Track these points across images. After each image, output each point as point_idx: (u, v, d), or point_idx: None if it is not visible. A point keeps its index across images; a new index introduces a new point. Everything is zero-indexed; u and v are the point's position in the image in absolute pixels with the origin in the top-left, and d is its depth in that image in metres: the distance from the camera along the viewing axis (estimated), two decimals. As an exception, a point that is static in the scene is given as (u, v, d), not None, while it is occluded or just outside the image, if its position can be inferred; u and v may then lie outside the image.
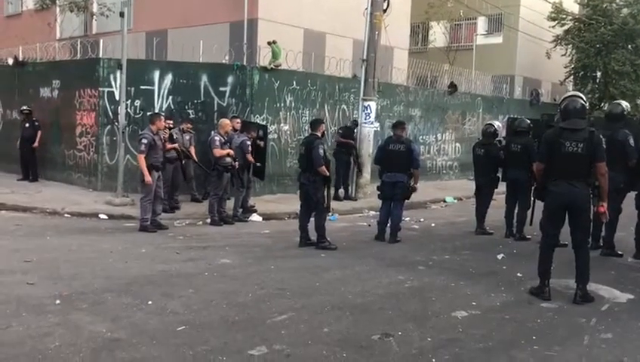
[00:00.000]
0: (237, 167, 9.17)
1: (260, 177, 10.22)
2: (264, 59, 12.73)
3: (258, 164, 9.77)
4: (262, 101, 11.97)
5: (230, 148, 9.14)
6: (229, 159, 9.05)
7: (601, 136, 5.83)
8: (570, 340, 4.54)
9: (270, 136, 11.75)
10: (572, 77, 23.03)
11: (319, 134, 7.71)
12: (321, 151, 7.44)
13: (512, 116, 11.47)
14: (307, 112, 12.83)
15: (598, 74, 22.17)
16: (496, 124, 9.27)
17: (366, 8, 12.50)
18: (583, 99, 5.66)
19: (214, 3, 16.32)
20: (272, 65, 12.20)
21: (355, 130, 12.41)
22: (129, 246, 7.38)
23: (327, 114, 13.27)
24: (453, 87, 17.78)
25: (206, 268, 6.32)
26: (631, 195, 7.49)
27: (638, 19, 20.80)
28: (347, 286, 5.82)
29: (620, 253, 7.55)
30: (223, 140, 9.09)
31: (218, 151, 8.97)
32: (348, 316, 4.88)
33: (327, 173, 7.51)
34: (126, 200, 10.23)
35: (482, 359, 4.11)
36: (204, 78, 11.82)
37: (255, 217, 9.84)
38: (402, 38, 19.67)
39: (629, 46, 21.26)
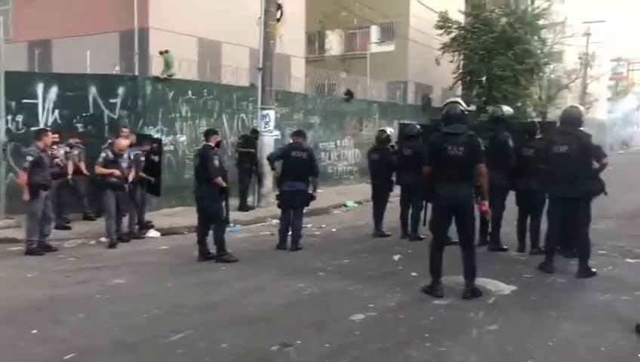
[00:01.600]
0: (128, 185, 8.68)
1: (156, 193, 9.90)
2: (157, 69, 12.38)
3: (152, 180, 9.46)
4: (155, 112, 11.62)
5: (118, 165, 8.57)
6: (115, 179, 8.46)
7: (483, 138, 6.24)
8: (460, 334, 4.77)
9: (166, 148, 11.45)
10: (460, 82, 24.33)
11: (213, 144, 7.59)
12: (216, 162, 7.33)
13: (403, 122, 11.91)
14: (204, 122, 12.62)
15: (483, 79, 23.57)
16: (389, 129, 9.61)
17: (260, 17, 12.54)
18: (462, 104, 5.99)
19: (102, 11, 15.67)
20: (165, 75, 11.90)
21: (257, 139, 12.37)
22: (14, 272, 6.90)
23: (225, 123, 13.14)
24: (349, 94, 18.25)
25: (98, 290, 6.02)
26: (513, 193, 8.04)
27: (515, 28, 22.38)
28: (247, 298, 5.76)
29: (505, 247, 8.06)
30: (110, 158, 8.53)
31: (98, 169, 8.51)
32: (248, 329, 4.83)
33: (224, 185, 7.41)
34: (10, 221, 9.53)
35: (378, 360, 4.22)
36: (93, 90, 11.27)
37: (152, 233, 9.51)
38: (298, 46, 19.92)
39: (509, 52, 22.79)
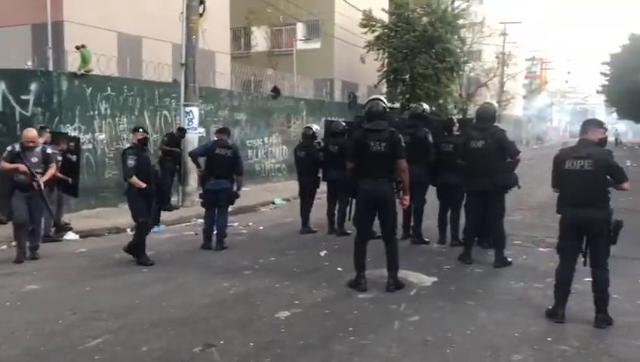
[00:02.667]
0: (36, 182, 7.42)
1: (74, 194, 9.46)
2: (73, 64, 11.84)
3: (70, 180, 9.03)
4: (72, 109, 11.10)
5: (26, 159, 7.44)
6: (22, 176, 7.33)
7: (404, 135, 6.40)
8: (383, 327, 4.86)
9: (84, 147, 10.96)
10: (385, 80, 24.82)
11: (135, 142, 7.35)
12: (131, 161, 7.08)
13: (329, 119, 12.02)
14: (125, 120, 12.19)
15: (407, 77, 24.14)
16: (315, 126, 9.66)
17: (182, 12, 12.25)
18: (384, 102, 6.11)
19: (12, 2, 14.78)
20: (82, 71, 11.39)
21: (184, 138, 12.06)
22: None
23: (147, 121, 12.72)
24: (276, 91, 18.19)
25: (8, 298, 5.68)
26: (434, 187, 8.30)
27: (436, 27, 23.08)
28: (169, 300, 5.62)
29: (427, 240, 8.30)
30: (16, 150, 7.38)
31: (3, 164, 7.42)
32: (169, 331, 4.71)
33: (141, 185, 7.13)
34: None
35: (302, 356, 4.23)
36: (3, 86, 10.64)
37: (70, 235, 9.09)
38: (223, 42, 19.62)
39: (431, 51, 23.49)
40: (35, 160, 7.46)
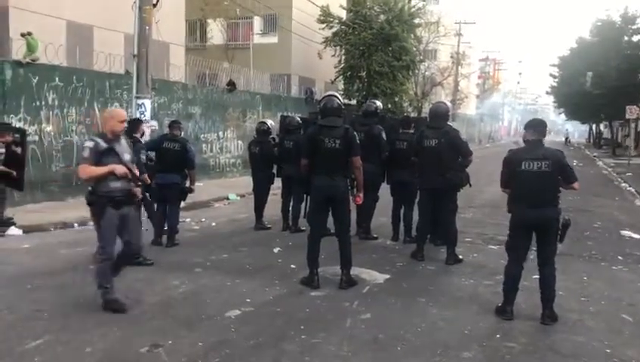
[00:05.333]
0: None
1: (18, 187, 9.07)
2: (18, 52, 11.35)
3: (14, 173, 8.65)
4: (17, 100, 10.63)
5: None
6: None
7: (358, 132, 6.39)
8: (335, 325, 4.84)
9: (30, 139, 10.52)
10: (342, 76, 24.86)
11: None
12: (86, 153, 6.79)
13: (284, 114, 11.93)
14: (74, 111, 11.80)
15: (364, 74, 24.26)
16: (269, 122, 9.56)
17: (135, 1, 11.90)
18: (339, 98, 6.09)
19: (-47, -14, 14.04)
20: (27, 60, 10.93)
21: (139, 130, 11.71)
22: None
23: (97, 113, 12.34)
24: (231, 84, 17.96)
25: (-59, 297, 5.39)
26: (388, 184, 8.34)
27: (393, 25, 23.25)
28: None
29: (375, 236, 8.33)
30: None
31: None
32: (115, 331, 4.55)
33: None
34: None
35: (252, 356, 4.15)
36: (-59, 74, 10.11)
37: (13, 231, 8.71)
38: (178, 34, 19.20)
39: (387, 49, 23.65)
40: None
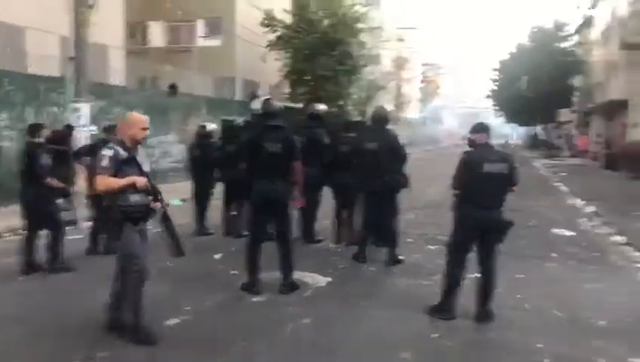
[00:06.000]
0: None
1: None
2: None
3: None
4: (-58, 103, 10.12)
5: None
6: None
7: (300, 136, 6.41)
8: (276, 331, 4.81)
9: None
10: (287, 80, 24.86)
11: (42, 140, 6.77)
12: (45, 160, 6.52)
13: (225, 118, 11.83)
14: (5, 115, 11.33)
15: (309, 78, 24.34)
16: (211, 125, 9.44)
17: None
18: (276, 102, 6.09)
19: None
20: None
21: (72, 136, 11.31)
22: None
23: (32, 117, 11.86)
24: (174, 88, 17.67)
25: None
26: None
27: (337, 30, 23.46)
28: (50, 309, 5.25)
29: (319, 238, 8.35)
30: None
31: None
32: (46, 343, 4.39)
33: (57, 185, 6.63)
34: None
35: (190, 365, 4.08)
36: None
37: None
38: (117, 36, 18.74)
39: (332, 53, 23.82)
40: None
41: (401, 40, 39.63)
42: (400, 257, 7.27)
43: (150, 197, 4.57)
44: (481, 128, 5.27)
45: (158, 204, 4.68)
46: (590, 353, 4.46)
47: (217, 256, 7.53)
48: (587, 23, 37.78)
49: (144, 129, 4.60)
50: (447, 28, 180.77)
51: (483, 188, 5.00)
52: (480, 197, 5.02)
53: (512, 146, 58.07)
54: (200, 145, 9.09)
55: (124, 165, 4.45)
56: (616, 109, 26.84)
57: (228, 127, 9.16)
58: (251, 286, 5.83)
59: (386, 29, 36.28)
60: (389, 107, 42.08)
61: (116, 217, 4.48)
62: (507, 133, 73.48)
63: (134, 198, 4.47)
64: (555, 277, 6.81)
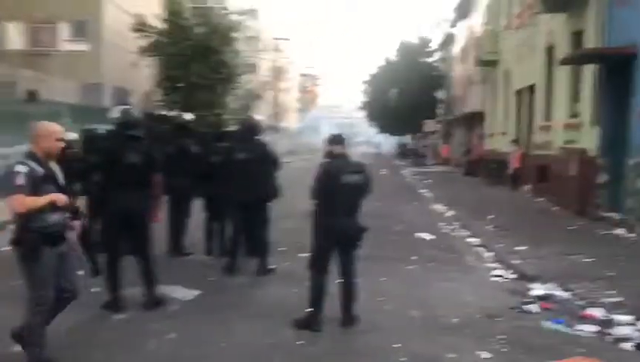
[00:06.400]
0: None
1: None
2: None
3: None
4: None
5: None
6: None
7: (168, 146, 6.26)
8: (138, 347, 4.65)
9: None
10: (160, 87, 24.12)
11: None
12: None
13: (86, 128, 11.22)
14: None
15: (182, 85, 23.79)
16: (72, 134, 8.89)
17: None
18: (135, 111, 5.93)
19: None
20: None
21: None
22: None
23: None
24: (32, 94, 16.44)
25: None
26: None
27: (210, 38, 23.21)
28: None
29: (189, 251, 8.19)
30: None
31: None
32: None
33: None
34: None
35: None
36: None
37: None
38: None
39: (207, 61, 23.49)
40: None
41: (278, 50, 40.06)
42: (271, 267, 7.33)
43: (68, 215, 4.23)
44: (337, 140, 5.45)
45: (77, 222, 4.38)
46: (442, 349, 4.80)
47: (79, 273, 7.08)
48: (448, 40, 40.77)
49: (59, 140, 4.27)
50: (325, 40, 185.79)
51: (341, 198, 5.19)
52: (338, 207, 5.21)
53: (384, 155, 61.00)
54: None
55: (41, 183, 4.06)
56: (474, 121, 29.20)
57: (89, 137, 8.67)
58: (113, 304, 5.58)
59: (262, 39, 36.50)
60: (267, 116, 42.38)
61: (32, 241, 4.05)
62: (380, 142, 76.87)
63: (52, 218, 4.11)
64: (415, 279, 7.25)
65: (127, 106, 6.06)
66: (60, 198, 4.13)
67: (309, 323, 5.22)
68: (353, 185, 5.23)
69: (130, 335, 4.93)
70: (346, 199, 5.22)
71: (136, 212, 5.59)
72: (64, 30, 24.00)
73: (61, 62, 21.95)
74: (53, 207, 4.07)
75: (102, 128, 9.35)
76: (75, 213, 4.35)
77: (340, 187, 5.18)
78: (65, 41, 23.81)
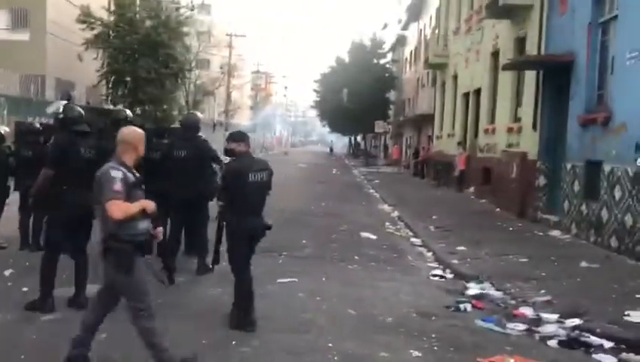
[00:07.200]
0: None
1: None
2: None
3: None
4: None
5: None
6: None
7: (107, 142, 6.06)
8: (64, 349, 4.47)
9: None
10: (105, 81, 23.51)
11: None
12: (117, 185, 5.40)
13: (20, 121, 10.82)
14: None
15: (129, 79, 23.27)
16: (3, 128, 8.54)
17: None
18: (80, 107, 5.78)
19: None
20: None
21: None
22: None
23: None
24: (-33, 84, 15.72)
25: None
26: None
27: (159, 32, 22.78)
28: None
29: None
30: None
31: None
32: None
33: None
34: None
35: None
36: None
37: None
38: None
39: (155, 56, 23.04)
40: None
41: (230, 46, 39.66)
42: (210, 266, 7.22)
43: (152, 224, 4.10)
44: (240, 137, 5.35)
45: (160, 230, 4.30)
46: (375, 348, 4.84)
47: (7, 273, 6.81)
48: (400, 42, 41.33)
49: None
50: (278, 37, 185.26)
51: (252, 197, 5.16)
52: (251, 206, 5.19)
53: (337, 154, 61.35)
54: (-12, 151, 8.16)
55: (132, 188, 3.94)
56: (423, 122, 29.70)
57: (24, 131, 8.34)
58: (44, 303, 5.38)
59: (215, 35, 36.05)
60: (218, 113, 41.91)
61: (126, 250, 3.91)
62: (332, 141, 77.23)
63: (142, 226, 4.00)
64: (355, 278, 7.30)
65: (67, 101, 5.85)
66: (150, 205, 4.01)
67: (241, 324, 5.16)
68: (259, 183, 5.21)
69: (57, 337, 4.73)
70: (253, 198, 5.19)
71: (88, 209, 5.41)
72: (3, 18, 23.04)
73: (0, 52, 21.08)
74: (143, 214, 3.98)
75: (37, 122, 9.00)
76: (156, 220, 4.21)
77: (247, 186, 5.12)
78: (3, 29, 22.86)
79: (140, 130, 4.33)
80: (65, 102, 5.95)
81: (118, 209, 3.81)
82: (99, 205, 3.97)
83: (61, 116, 5.79)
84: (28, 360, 4.25)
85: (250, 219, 5.16)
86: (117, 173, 3.88)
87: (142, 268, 4.08)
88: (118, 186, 3.83)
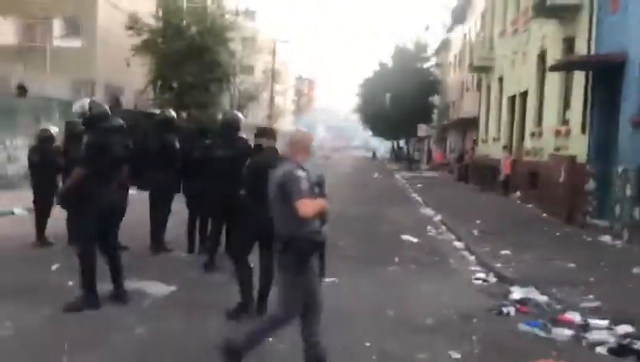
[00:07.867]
0: None
1: None
2: None
3: None
4: None
5: None
6: None
7: (153, 141, 6.19)
8: (105, 342, 4.58)
9: None
10: (152, 86, 24.06)
11: None
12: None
13: (70, 120, 11.09)
14: None
15: (175, 84, 23.74)
16: (53, 128, 8.83)
17: None
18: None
19: None
20: None
21: None
22: None
23: None
24: (22, 88, 16.36)
25: None
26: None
27: (204, 38, 23.16)
28: None
29: (169, 248, 8.12)
30: None
31: None
32: None
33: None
34: None
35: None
36: None
37: None
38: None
39: (201, 61, 23.44)
40: None
41: (274, 52, 40.04)
42: (251, 265, 7.24)
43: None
44: (264, 133, 5.48)
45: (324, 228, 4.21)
46: (413, 349, 4.74)
47: (54, 267, 7.02)
48: (444, 45, 40.83)
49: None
50: (321, 43, 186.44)
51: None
52: (266, 201, 5.13)
53: (379, 159, 61.04)
54: (40, 150, 8.45)
55: (311, 188, 3.95)
56: (467, 126, 29.21)
57: (74, 131, 8.57)
58: (86, 299, 5.48)
59: (259, 41, 36.47)
60: (261, 118, 42.33)
61: (306, 249, 3.91)
62: (375, 146, 76.85)
63: (316, 225, 4.00)
64: (394, 279, 7.19)
65: (92, 98, 5.97)
66: (325, 205, 4.02)
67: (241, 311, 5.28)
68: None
69: (98, 330, 4.86)
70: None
71: (119, 206, 5.54)
72: (57, 26, 23.92)
73: (55, 58, 21.88)
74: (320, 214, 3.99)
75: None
76: (323, 222, 4.17)
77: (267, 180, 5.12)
78: (58, 37, 23.74)
79: (309, 132, 4.36)
80: (88, 99, 6.04)
81: (310, 207, 3.80)
82: (276, 204, 3.98)
83: (88, 114, 5.90)
84: (70, 351, 4.32)
85: (262, 215, 5.03)
86: (301, 173, 3.90)
87: (314, 269, 4.01)
88: (305, 185, 3.85)
